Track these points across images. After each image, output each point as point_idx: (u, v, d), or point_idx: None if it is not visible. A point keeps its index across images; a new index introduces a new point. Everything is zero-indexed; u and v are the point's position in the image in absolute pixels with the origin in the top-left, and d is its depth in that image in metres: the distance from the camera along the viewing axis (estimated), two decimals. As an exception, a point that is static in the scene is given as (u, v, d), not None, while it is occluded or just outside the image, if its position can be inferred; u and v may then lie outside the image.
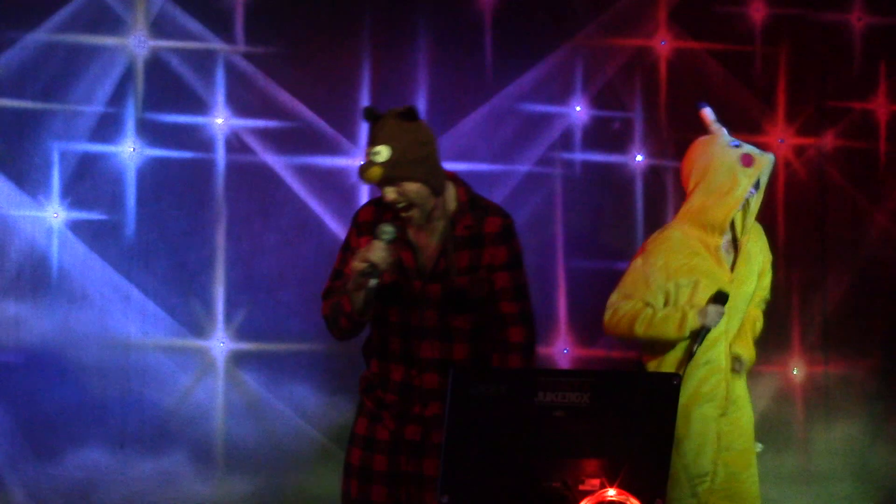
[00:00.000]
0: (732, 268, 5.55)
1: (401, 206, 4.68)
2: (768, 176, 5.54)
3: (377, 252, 4.56)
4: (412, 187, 4.64)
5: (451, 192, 4.79)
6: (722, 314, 5.42)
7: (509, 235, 4.81)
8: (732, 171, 5.46)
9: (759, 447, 5.66)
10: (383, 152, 4.61)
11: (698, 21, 7.17)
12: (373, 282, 4.56)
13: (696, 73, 7.17)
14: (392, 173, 4.61)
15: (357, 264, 4.58)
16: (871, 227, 7.34)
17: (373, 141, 4.65)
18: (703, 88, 7.16)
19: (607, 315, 5.53)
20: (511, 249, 4.80)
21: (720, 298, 5.40)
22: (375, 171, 4.60)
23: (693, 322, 5.39)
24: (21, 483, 6.34)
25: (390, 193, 4.66)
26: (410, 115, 4.66)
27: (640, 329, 5.44)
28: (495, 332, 4.80)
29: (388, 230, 4.57)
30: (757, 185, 5.51)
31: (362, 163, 4.65)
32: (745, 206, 5.53)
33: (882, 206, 7.38)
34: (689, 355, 5.43)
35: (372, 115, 4.69)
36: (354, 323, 4.74)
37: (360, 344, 5.27)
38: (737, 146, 5.51)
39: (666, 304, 5.48)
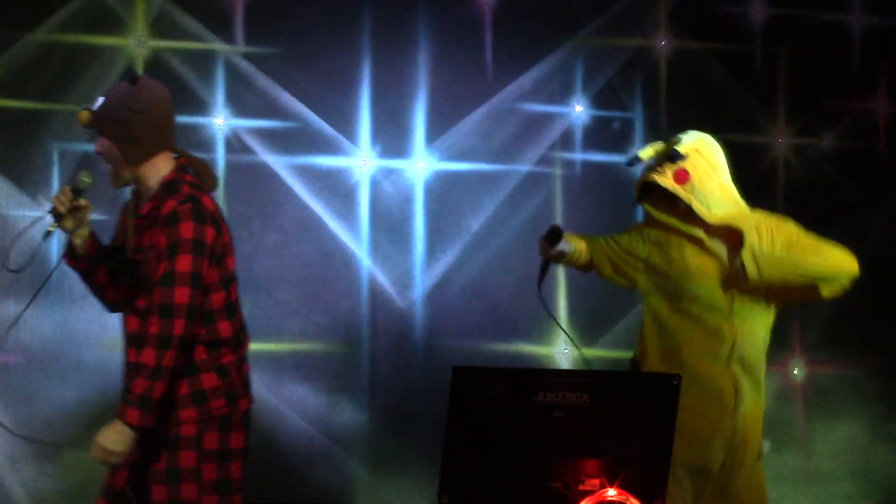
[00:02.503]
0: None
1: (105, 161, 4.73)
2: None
3: (59, 196, 4.64)
4: (103, 143, 4.65)
5: (160, 171, 4.68)
6: (550, 252, 5.17)
7: (176, 220, 4.56)
8: None
9: (765, 446, 5.53)
10: (98, 102, 4.67)
11: (698, 21, 7.17)
12: (51, 225, 4.64)
13: (696, 73, 7.17)
14: (93, 123, 4.65)
15: None
16: (871, 227, 7.33)
17: None
18: (703, 88, 7.17)
19: None
20: (173, 235, 4.56)
21: (551, 232, 5.19)
22: (84, 115, 4.66)
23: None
24: (21, 483, 6.33)
25: (96, 144, 4.71)
26: (131, 79, 4.68)
27: None
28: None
29: (82, 179, 4.63)
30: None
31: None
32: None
33: (882, 206, 7.38)
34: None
35: (132, 79, 4.72)
36: (89, 282, 4.81)
37: (359, 344, 5.28)
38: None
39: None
